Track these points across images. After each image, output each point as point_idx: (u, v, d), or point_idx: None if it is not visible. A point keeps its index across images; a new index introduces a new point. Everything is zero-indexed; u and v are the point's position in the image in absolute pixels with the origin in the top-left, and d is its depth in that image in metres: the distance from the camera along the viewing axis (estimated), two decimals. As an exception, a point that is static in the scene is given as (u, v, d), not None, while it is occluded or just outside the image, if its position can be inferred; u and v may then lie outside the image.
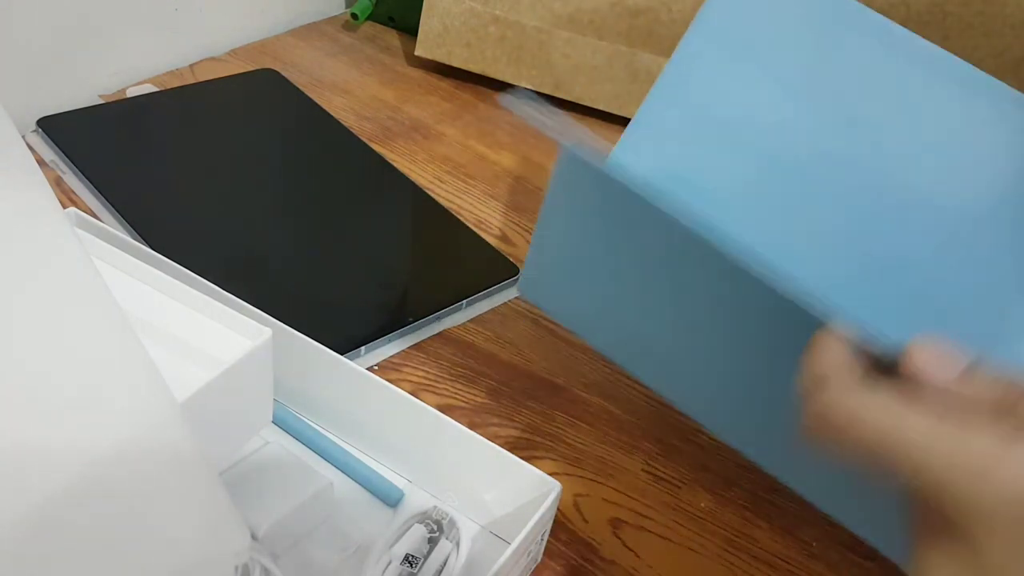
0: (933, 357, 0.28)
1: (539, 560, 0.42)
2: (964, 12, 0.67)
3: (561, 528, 0.44)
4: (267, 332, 0.39)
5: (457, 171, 0.67)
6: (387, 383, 0.42)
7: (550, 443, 0.48)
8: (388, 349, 0.51)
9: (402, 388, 0.42)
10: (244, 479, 0.41)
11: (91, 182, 0.56)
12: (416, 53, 0.75)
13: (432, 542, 0.40)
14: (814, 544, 0.46)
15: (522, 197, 0.66)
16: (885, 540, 0.37)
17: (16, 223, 0.34)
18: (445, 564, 0.40)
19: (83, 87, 0.66)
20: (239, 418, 0.40)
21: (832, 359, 0.29)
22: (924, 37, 0.67)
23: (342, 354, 0.44)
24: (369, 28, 0.83)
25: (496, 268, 0.57)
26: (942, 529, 0.26)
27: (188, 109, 0.66)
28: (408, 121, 0.71)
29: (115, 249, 0.41)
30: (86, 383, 0.31)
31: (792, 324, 0.32)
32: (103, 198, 0.55)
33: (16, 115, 0.38)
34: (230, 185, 0.60)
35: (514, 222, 0.63)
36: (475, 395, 0.50)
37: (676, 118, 0.47)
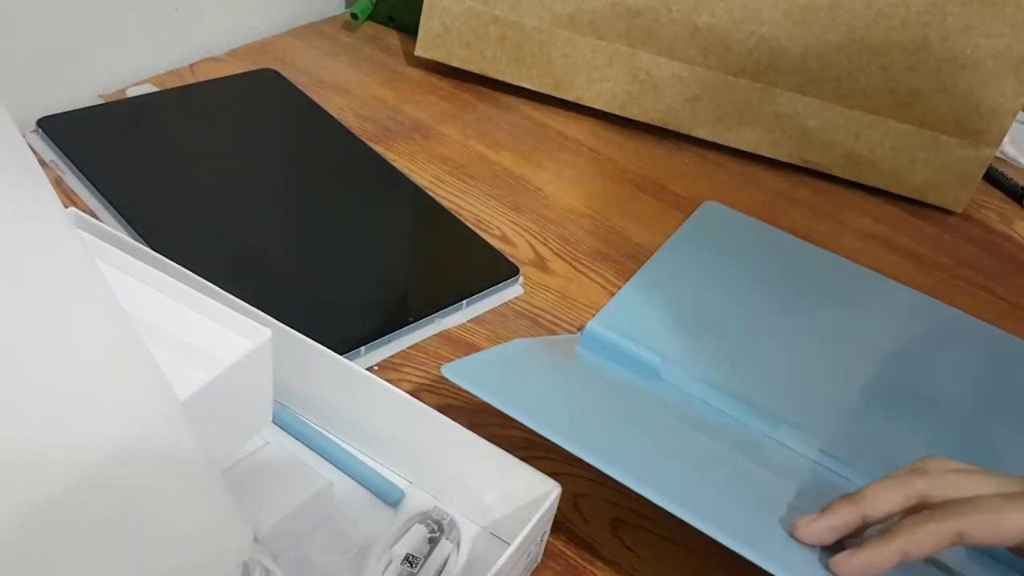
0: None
1: (539, 560, 0.42)
2: (964, 12, 0.67)
3: (561, 528, 0.44)
4: (267, 332, 0.39)
5: (457, 171, 0.67)
6: (387, 383, 0.42)
7: (550, 443, 0.48)
8: (388, 349, 0.51)
9: (402, 388, 0.42)
10: (244, 479, 0.41)
11: (91, 182, 0.56)
12: (416, 53, 0.75)
13: (433, 542, 0.40)
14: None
15: (522, 197, 0.66)
16: None
17: (17, 223, 0.34)
18: (445, 564, 0.40)
19: (83, 87, 0.66)
20: (239, 418, 0.40)
21: None
22: (924, 37, 0.68)
23: (342, 354, 0.44)
24: (369, 28, 0.83)
25: (496, 268, 0.57)
26: None
27: (188, 109, 0.66)
28: (408, 121, 0.71)
29: (115, 249, 0.41)
30: (88, 382, 0.31)
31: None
32: (103, 198, 0.55)
33: (16, 115, 0.38)
34: (230, 185, 0.60)
35: (514, 222, 0.63)
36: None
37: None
